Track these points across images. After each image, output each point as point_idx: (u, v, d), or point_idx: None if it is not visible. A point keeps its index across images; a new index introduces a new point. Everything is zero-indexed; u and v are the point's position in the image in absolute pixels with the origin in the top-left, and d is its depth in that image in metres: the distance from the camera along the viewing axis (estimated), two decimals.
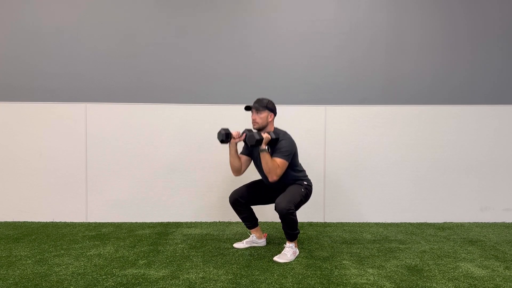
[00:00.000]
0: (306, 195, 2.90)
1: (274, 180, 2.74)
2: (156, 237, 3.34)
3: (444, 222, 3.91)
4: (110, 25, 4.05)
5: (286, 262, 2.69)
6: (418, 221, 3.92)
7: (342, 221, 3.92)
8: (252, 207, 3.08)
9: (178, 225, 3.76)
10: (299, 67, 4.08)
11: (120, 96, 4.04)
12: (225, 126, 3.85)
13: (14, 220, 3.89)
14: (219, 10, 4.07)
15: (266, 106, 2.87)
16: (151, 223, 3.85)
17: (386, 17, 4.09)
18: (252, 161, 3.05)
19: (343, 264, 2.67)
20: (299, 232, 2.81)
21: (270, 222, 3.85)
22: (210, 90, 4.07)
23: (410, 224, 3.85)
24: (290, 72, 4.08)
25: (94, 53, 4.05)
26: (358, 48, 4.08)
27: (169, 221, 3.91)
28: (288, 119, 3.86)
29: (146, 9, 4.07)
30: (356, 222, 3.90)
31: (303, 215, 3.75)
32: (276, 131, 2.92)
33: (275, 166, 2.72)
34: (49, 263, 2.66)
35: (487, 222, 3.90)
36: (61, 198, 3.89)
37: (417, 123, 3.93)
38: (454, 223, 3.89)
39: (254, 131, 2.92)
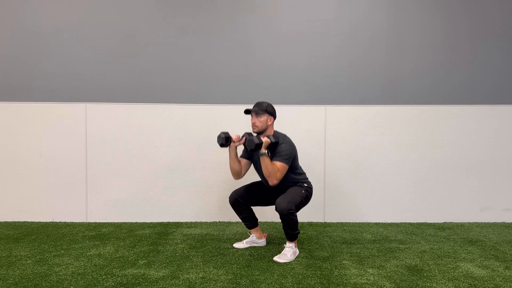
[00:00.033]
0: (306, 196, 2.90)
1: (274, 184, 2.74)
2: (156, 237, 3.34)
3: (444, 222, 3.91)
4: (110, 25, 4.05)
5: (286, 262, 2.69)
6: (418, 221, 3.92)
7: (342, 221, 3.92)
8: (252, 207, 3.08)
9: (178, 225, 3.76)
10: (299, 67, 4.08)
11: (120, 96, 4.04)
12: (225, 127, 3.88)
13: (14, 220, 3.89)
14: (219, 10, 4.07)
15: (265, 109, 2.87)
16: (151, 223, 3.85)
17: (386, 17, 4.09)
18: (252, 165, 3.05)
19: (343, 264, 2.67)
20: (299, 232, 2.81)
21: (270, 222, 3.85)
22: (210, 90, 4.07)
23: (410, 224, 3.85)
24: (290, 72, 4.08)
25: (94, 53, 4.05)
26: (358, 48, 4.08)
27: (169, 221, 3.91)
28: (288, 119, 3.86)
29: (146, 9, 4.07)
30: (356, 222, 3.90)
31: (303, 215, 3.75)
32: (276, 134, 2.91)
33: (275, 170, 2.72)
34: (49, 263, 2.66)
35: (487, 222, 3.90)
36: (61, 198, 3.90)
37: (417, 123, 3.93)
38: (454, 223, 3.89)
39: (254, 134, 2.92)
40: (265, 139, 2.74)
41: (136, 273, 2.48)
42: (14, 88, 4.01)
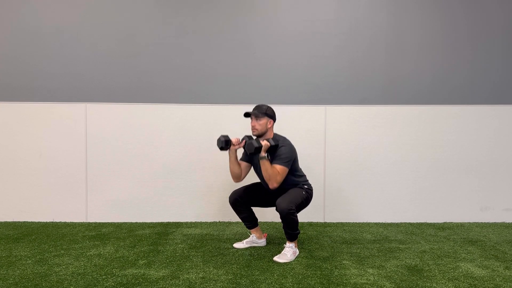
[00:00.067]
0: (307, 198, 2.89)
1: (274, 187, 2.74)
2: (156, 237, 3.34)
3: (444, 222, 3.91)
4: (110, 25, 4.05)
5: (286, 262, 2.69)
6: (418, 221, 3.92)
7: (342, 221, 3.92)
8: (252, 207, 3.08)
9: (178, 225, 3.76)
10: (299, 67, 4.08)
11: (120, 96, 4.04)
12: (225, 127, 3.88)
13: (14, 220, 3.89)
14: (219, 10, 4.08)
15: (265, 112, 2.87)
16: (151, 223, 3.85)
17: (386, 17, 4.09)
18: (252, 167, 3.05)
19: (343, 264, 2.67)
20: (299, 232, 2.81)
21: (270, 222, 3.85)
22: (210, 90, 4.07)
23: (410, 224, 3.85)
24: (290, 72, 4.08)
25: (94, 53, 4.05)
26: (358, 48, 4.08)
27: (169, 221, 3.91)
28: (288, 119, 3.86)
29: (146, 9, 4.07)
30: (356, 222, 3.90)
31: (303, 215, 3.74)
32: (276, 137, 2.91)
33: (275, 173, 2.72)
34: (49, 263, 2.66)
35: (487, 222, 3.90)
36: (61, 198, 3.90)
37: (417, 123, 3.93)
38: (454, 223, 3.89)
39: (254, 137, 2.92)
40: (264, 143, 2.74)
41: (136, 273, 2.48)
42: (14, 88, 4.01)
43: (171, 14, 4.07)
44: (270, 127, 2.91)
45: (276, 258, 2.74)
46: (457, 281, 2.37)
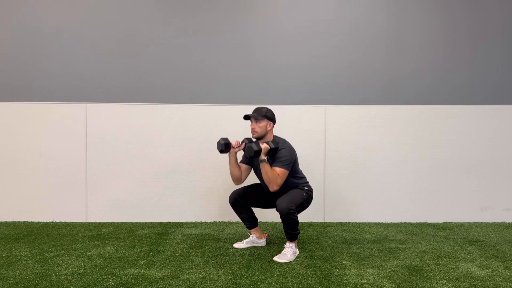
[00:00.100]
0: (307, 199, 2.89)
1: (275, 190, 2.74)
2: (156, 237, 3.34)
3: (444, 222, 3.91)
4: (110, 25, 4.05)
5: (286, 262, 2.69)
6: (418, 221, 3.92)
7: (342, 221, 3.92)
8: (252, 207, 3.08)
9: (178, 225, 3.76)
10: (299, 67, 4.08)
11: (120, 96, 4.04)
12: (225, 127, 3.88)
13: (14, 220, 3.89)
14: (219, 10, 4.07)
15: (265, 115, 2.86)
16: (151, 223, 3.85)
17: (386, 17, 4.09)
18: (253, 170, 3.05)
19: (343, 264, 2.67)
20: (299, 232, 2.81)
21: (270, 222, 3.85)
22: (210, 90, 4.07)
23: (410, 224, 3.85)
24: (290, 72, 4.08)
25: (94, 53, 4.05)
26: (358, 48, 4.08)
27: (169, 221, 3.91)
28: (288, 119, 3.86)
29: (146, 9, 4.07)
30: (356, 222, 3.90)
31: (303, 215, 3.73)
32: (276, 139, 2.91)
33: (275, 176, 2.72)
34: (49, 263, 2.66)
35: (487, 222, 3.90)
36: (61, 198, 3.90)
37: (417, 123, 3.93)
38: (454, 223, 3.89)
39: (254, 140, 2.92)
40: (264, 146, 2.73)
41: (136, 273, 2.48)
42: (14, 88, 4.01)
43: (171, 14, 4.07)
44: (270, 130, 2.91)
45: (276, 258, 2.74)
46: (457, 281, 2.37)
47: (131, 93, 4.04)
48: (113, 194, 3.90)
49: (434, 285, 2.32)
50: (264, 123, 2.86)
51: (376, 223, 3.87)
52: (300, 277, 2.43)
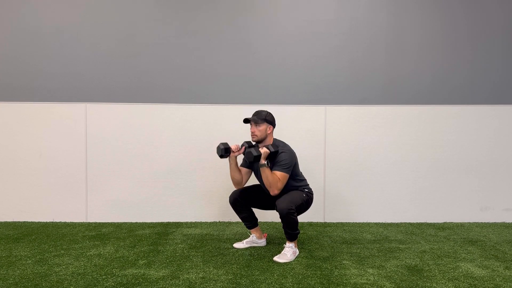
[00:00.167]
0: (307, 201, 2.89)
1: (275, 193, 2.74)
2: (156, 237, 3.34)
3: (444, 222, 3.91)
4: (110, 25, 4.05)
5: (286, 262, 2.69)
6: (418, 221, 3.92)
7: (342, 221, 3.92)
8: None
9: (178, 225, 3.76)
10: (299, 67, 4.08)
11: (120, 96, 4.04)
12: (225, 127, 3.88)
13: (14, 220, 3.89)
14: (219, 10, 4.07)
15: (265, 118, 2.86)
16: (151, 223, 3.85)
17: (386, 17, 4.09)
18: (253, 173, 3.05)
19: (343, 264, 2.67)
20: (299, 232, 2.81)
21: (270, 222, 3.85)
22: (210, 90, 4.07)
23: (410, 224, 3.85)
24: (290, 72, 4.08)
25: (94, 53, 4.05)
26: (358, 48, 4.08)
27: (169, 221, 3.91)
28: (288, 119, 3.86)
29: (146, 9, 4.07)
30: (356, 222, 3.90)
31: (303, 215, 3.71)
32: (276, 143, 2.90)
33: (276, 180, 2.72)
34: (49, 263, 2.66)
35: (487, 222, 3.90)
36: (61, 198, 3.90)
37: (417, 123, 3.93)
38: (454, 223, 3.89)
39: (253, 143, 2.91)
40: (263, 150, 2.73)
41: (136, 273, 2.48)
42: (14, 88, 4.01)
43: (171, 14, 4.07)
44: (270, 133, 2.91)
45: (276, 258, 2.74)
46: (457, 281, 2.37)
47: (131, 93, 4.04)
48: (113, 194, 3.90)
49: (434, 285, 2.32)
50: (263, 127, 2.86)
51: (376, 223, 3.87)
52: (300, 277, 2.43)
